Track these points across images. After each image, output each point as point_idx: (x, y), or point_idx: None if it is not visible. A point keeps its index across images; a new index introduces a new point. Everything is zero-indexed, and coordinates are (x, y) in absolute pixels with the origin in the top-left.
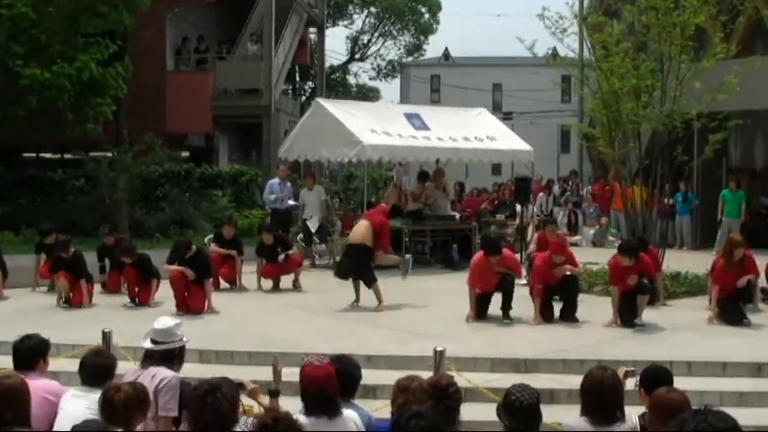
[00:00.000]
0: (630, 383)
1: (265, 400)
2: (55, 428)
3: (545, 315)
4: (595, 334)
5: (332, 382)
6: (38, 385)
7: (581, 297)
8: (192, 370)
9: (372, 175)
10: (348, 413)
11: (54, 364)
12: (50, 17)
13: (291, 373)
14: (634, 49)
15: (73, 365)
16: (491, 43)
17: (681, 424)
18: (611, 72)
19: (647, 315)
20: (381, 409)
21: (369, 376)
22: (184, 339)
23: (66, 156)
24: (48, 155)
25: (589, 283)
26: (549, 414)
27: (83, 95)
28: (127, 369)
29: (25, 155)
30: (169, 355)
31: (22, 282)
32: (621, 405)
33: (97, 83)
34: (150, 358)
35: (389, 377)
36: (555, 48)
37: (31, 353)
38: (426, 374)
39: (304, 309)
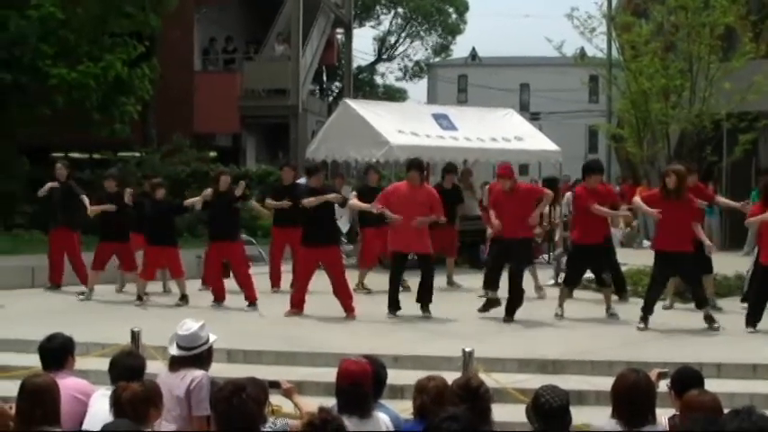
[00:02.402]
0: (662, 385)
1: (300, 399)
2: (84, 427)
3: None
4: (623, 335)
5: (367, 380)
6: (68, 384)
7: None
8: (221, 369)
9: (400, 176)
10: (380, 415)
11: (83, 362)
12: (78, 18)
13: (316, 374)
14: (663, 49)
15: (102, 364)
16: (519, 43)
17: (722, 423)
18: (639, 72)
19: (680, 316)
20: (408, 410)
21: (396, 377)
22: (211, 339)
23: (95, 156)
24: (76, 155)
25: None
26: (578, 416)
27: (109, 96)
28: (156, 368)
29: (54, 154)
30: (197, 358)
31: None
32: (653, 407)
33: (123, 83)
34: (178, 363)
35: (416, 378)
36: (583, 48)
37: (59, 352)
38: (451, 375)
39: (331, 308)
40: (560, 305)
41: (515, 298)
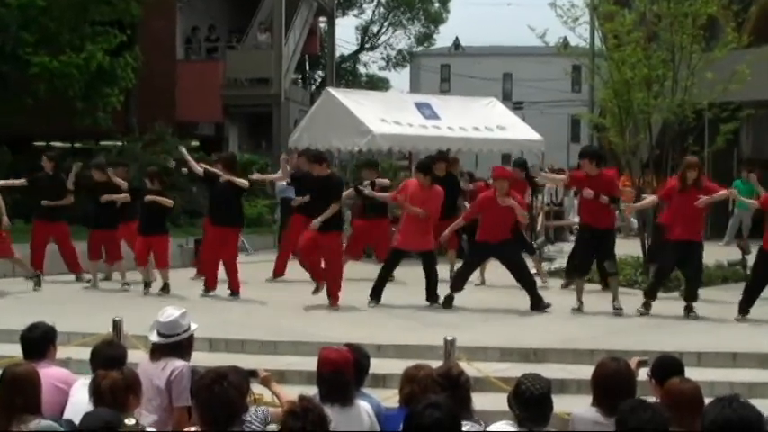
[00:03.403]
0: (642, 374)
1: (278, 388)
2: (65, 416)
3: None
4: (606, 324)
5: (348, 368)
6: (49, 373)
7: (590, 287)
8: (202, 359)
9: (383, 165)
10: (361, 403)
11: (64, 351)
12: (59, 5)
13: (299, 362)
14: (645, 39)
15: (83, 353)
16: (502, 32)
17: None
18: (622, 62)
19: (660, 305)
20: (391, 398)
21: (378, 365)
22: (192, 328)
23: (77, 145)
24: (58, 144)
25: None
26: (559, 404)
27: (92, 85)
28: (138, 358)
29: (36, 143)
30: (177, 346)
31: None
32: (634, 395)
33: (106, 73)
34: (158, 351)
35: (399, 366)
36: (566, 37)
37: (40, 341)
38: (436, 364)
39: (315, 297)
40: (579, 298)
41: (526, 288)
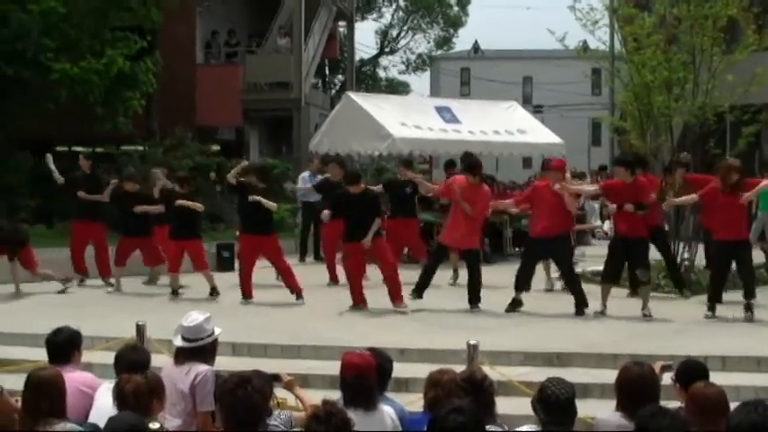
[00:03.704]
0: (666, 378)
1: (301, 392)
2: (89, 420)
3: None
4: (629, 328)
5: (371, 373)
6: (74, 377)
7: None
8: (225, 363)
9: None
10: (385, 408)
11: (88, 356)
12: (79, 11)
13: (321, 367)
14: (665, 42)
15: (107, 358)
16: (521, 36)
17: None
18: (642, 65)
19: (684, 309)
20: (414, 403)
21: (402, 369)
22: (216, 333)
23: (98, 149)
24: (80, 148)
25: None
26: (583, 408)
27: (112, 90)
28: (161, 362)
29: (57, 148)
30: (201, 350)
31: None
32: (658, 400)
33: (127, 77)
34: (182, 355)
35: (422, 370)
36: (585, 40)
37: (65, 345)
38: (459, 368)
39: (336, 301)
40: (603, 303)
41: (573, 290)
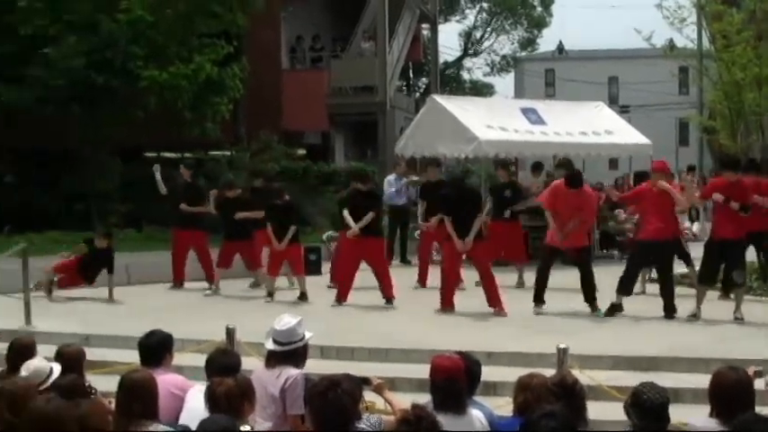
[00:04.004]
0: (760, 383)
1: (391, 395)
2: (180, 422)
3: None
4: (716, 332)
5: (461, 376)
6: (165, 380)
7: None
8: (313, 366)
9: (489, 171)
10: (474, 412)
11: (179, 358)
12: (166, 19)
13: (409, 370)
14: (755, 38)
15: (197, 360)
16: (606, 35)
17: None
18: (731, 62)
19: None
20: (503, 407)
21: (490, 373)
22: (307, 336)
23: (187, 155)
24: (168, 154)
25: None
26: (674, 414)
27: (200, 96)
28: (251, 365)
29: (147, 154)
30: (293, 354)
31: (144, 278)
32: (753, 407)
33: (214, 83)
34: (273, 359)
35: (511, 374)
36: (672, 39)
37: (157, 348)
38: (546, 371)
39: (422, 304)
40: (698, 306)
41: (667, 294)
